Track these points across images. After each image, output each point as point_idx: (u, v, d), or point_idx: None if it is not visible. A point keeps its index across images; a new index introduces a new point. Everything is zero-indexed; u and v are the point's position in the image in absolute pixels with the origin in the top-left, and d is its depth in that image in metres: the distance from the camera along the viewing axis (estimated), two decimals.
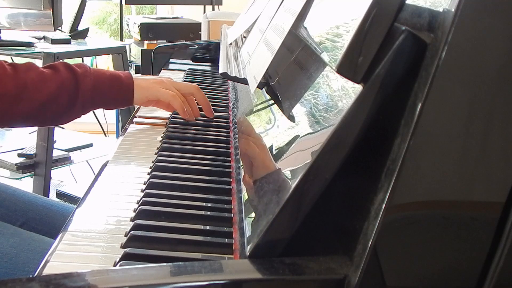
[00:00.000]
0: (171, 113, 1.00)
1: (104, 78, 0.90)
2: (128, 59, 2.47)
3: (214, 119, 0.97)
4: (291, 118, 0.59)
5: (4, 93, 0.82)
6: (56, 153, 2.08)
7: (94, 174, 0.75)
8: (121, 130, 1.00)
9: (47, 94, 0.85)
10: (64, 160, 2.16)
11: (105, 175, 0.74)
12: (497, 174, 0.41)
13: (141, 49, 2.53)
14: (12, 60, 2.31)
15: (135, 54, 2.69)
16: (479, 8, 0.39)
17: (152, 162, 0.77)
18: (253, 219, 0.53)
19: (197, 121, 0.95)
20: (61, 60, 1.96)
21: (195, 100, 0.97)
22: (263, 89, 0.78)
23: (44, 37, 2.15)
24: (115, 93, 0.91)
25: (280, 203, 0.45)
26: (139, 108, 1.08)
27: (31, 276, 0.41)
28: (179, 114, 0.98)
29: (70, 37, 2.20)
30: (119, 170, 0.77)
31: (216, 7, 2.74)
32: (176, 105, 0.93)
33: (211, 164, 0.76)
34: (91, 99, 0.89)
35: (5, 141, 2.19)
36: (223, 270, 0.44)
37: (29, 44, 2.01)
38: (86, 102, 0.89)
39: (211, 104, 0.99)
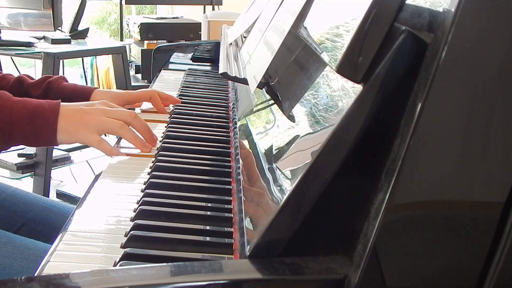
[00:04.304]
0: (171, 113, 1.00)
1: (23, 115, 0.79)
2: (128, 59, 2.48)
3: (214, 119, 0.97)
4: (291, 118, 0.59)
5: None
6: (56, 153, 2.09)
7: (94, 174, 0.75)
8: None
9: None
10: (64, 160, 2.17)
11: (105, 174, 0.74)
12: (497, 174, 0.41)
13: (141, 49, 2.53)
14: (12, 60, 2.31)
15: (135, 54, 2.69)
16: (479, 8, 0.39)
17: (152, 162, 0.77)
18: (253, 219, 0.53)
19: (197, 121, 0.95)
20: (61, 59, 1.96)
21: (136, 128, 0.85)
22: (263, 89, 0.78)
23: (44, 37, 2.15)
24: (34, 133, 0.79)
25: (280, 203, 0.45)
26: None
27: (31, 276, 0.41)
28: (179, 115, 0.98)
29: (70, 37, 2.20)
30: (119, 170, 0.77)
31: (216, 7, 2.74)
32: (111, 152, 0.81)
33: (211, 164, 0.76)
34: (7, 137, 0.79)
35: None
36: (223, 270, 0.44)
37: (29, 44, 2.01)
38: (3, 137, 0.79)
39: (211, 104, 0.99)
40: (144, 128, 0.85)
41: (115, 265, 0.50)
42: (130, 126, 0.84)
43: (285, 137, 0.57)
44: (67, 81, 1.05)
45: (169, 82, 1.35)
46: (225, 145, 0.84)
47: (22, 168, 1.98)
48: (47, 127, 0.79)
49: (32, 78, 1.05)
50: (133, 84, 2.39)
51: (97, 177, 0.73)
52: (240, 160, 0.70)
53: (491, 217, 0.42)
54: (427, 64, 0.40)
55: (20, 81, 1.02)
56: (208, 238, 0.56)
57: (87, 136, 0.81)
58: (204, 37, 2.33)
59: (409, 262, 0.43)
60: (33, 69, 3.50)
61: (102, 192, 0.68)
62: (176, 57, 1.52)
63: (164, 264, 0.44)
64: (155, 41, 2.54)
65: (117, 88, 2.34)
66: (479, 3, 0.39)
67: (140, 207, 0.61)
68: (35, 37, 2.12)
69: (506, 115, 0.41)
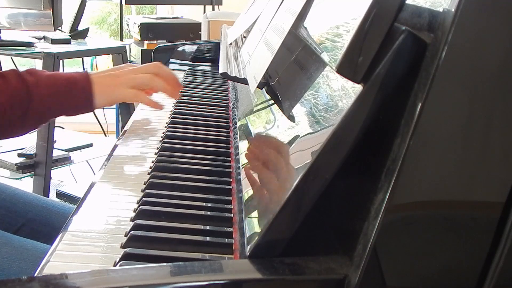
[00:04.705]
0: (171, 112, 1.00)
1: (59, 85, 0.84)
2: (128, 59, 2.47)
3: (214, 119, 0.97)
4: (291, 118, 0.59)
5: None
6: (56, 153, 2.08)
7: (94, 174, 0.75)
8: (121, 130, 1.00)
9: None
10: (64, 160, 2.16)
11: (106, 174, 0.74)
12: (497, 174, 0.41)
13: (141, 49, 2.53)
14: (12, 60, 2.31)
15: (135, 54, 2.69)
16: (479, 8, 0.39)
17: (152, 162, 0.77)
18: (253, 219, 0.53)
19: (197, 121, 0.95)
20: (61, 59, 1.96)
21: (163, 77, 0.93)
22: (263, 89, 0.78)
23: (44, 37, 2.15)
24: (72, 101, 0.85)
25: (280, 203, 0.45)
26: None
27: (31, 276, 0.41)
28: (179, 115, 0.98)
29: (70, 37, 2.20)
30: (120, 170, 0.77)
31: (216, 7, 2.74)
32: (144, 102, 0.92)
33: (211, 164, 0.76)
34: (47, 108, 0.83)
35: (5, 141, 2.19)
36: (223, 270, 0.44)
37: (29, 44, 2.01)
38: (42, 111, 0.83)
39: (211, 104, 0.99)
40: (170, 76, 0.94)
41: (115, 265, 0.50)
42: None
43: (285, 137, 0.57)
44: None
45: None
46: (225, 145, 0.84)
47: (22, 168, 1.98)
48: (84, 93, 0.84)
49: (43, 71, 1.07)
50: None
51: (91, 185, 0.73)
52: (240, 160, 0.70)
53: (491, 217, 0.42)
54: (427, 64, 0.40)
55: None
56: (208, 238, 0.56)
57: (122, 92, 0.88)
58: (204, 37, 2.33)
59: (409, 262, 0.43)
60: None
61: (102, 192, 0.68)
62: (176, 57, 1.52)
63: (164, 264, 0.44)
64: (155, 41, 2.54)
65: None
66: (479, 3, 0.39)
67: (140, 207, 0.61)
68: (35, 37, 2.12)
69: (506, 115, 0.41)
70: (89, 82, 0.85)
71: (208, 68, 1.53)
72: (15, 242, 0.85)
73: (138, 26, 2.52)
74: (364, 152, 0.45)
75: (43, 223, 0.97)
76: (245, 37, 1.11)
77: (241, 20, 1.25)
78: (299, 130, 0.54)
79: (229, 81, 1.23)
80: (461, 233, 0.42)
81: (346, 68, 0.44)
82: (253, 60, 0.82)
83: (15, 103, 0.81)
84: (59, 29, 2.17)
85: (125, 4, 2.87)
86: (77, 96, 0.85)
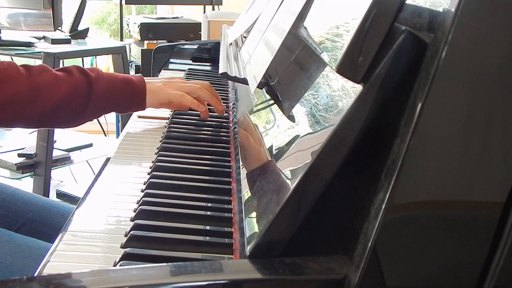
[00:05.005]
0: (171, 112, 1.00)
1: (117, 82, 0.90)
2: (128, 59, 2.47)
3: (214, 119, 0.97)
4: (291, 118, 0.59)
5: (18, 94, 0.82)
6: (56, 153, 2.08)
7: (94, 174, 0.75)
8: (121, 130, 1.00)
9: (60, 97, 0.85)
10: (64, 160, 2.16)
11: (106, 174, 0.74)
12: (497, 174, 0.41)
13: (141, 49, 2.53)
14: (12, 60, 2.31)
15: (135, 54, 2.69)
16: (479, 8, 0.39)
17: (152, 162, 0.77)
18: (253, 219, 0.53)
19: (197, 121, 0.95)
20: (61, 59, 1.96)
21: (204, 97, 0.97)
22: (263, 89, 0.78)
23: (44, 37, 2.15)
24: (127, 98, 0.91)
25: (280, 203, 0.45)
26: None
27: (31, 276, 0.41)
28: (179, 115, 0.98)
29: (70, 37, 2.20)
30: (120, 169, 0.77)
31: (216, 7, 2.74)
32: (188, 102, 0.94)
33: (211, 164, 0.76)
34: (103, 103, 0.89)
35: (5, 141, 2.19)
36: (223, 270, 0.44)
37: (29, 44, 2.01)
38: (99, 106, 0.89)
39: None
40: (216, 94, 0.99)
41: (115, 265, 0.50)
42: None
43: (285, 137, 0.57)
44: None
45: None
46: (225, 145, 0.84)
47: (22, 168, 1.98)
48: (139, 92, 0.92)
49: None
50: None
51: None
52: (240, 160, 0.70)
53: (491, 217, 0.42)
54: (427, 64, 0.40)
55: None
56: (208, 238, 0.56)
57: (169, 93, 0.94)
58: (204, 37, 2.33)
59: (409, 262, 0.43)
60: None
61: (102, 192, 0.68)
62: (176, 57, 1.52)
63: (164, 264, 0.44)
64: (155, 41, 2.54)
65: None
66: (479, 3, 0.39)
67: (140, 207, 0.61)
68: (35, 37, 2.12)
69: (506, 115, 0.40)
70: (143, 83, 0.93)
71: (208, 68, 1.53)
72: (17, 240, 0.86)
73: (138, 26, 2.52)
74: (364, 152, 0.45)
75: (43, 223, 0.97)
76: (245, 37, 1.11)
77: (241, 20, 1.25)
78: (299, 130, 0.54)
79: (229, 81, 1.23)
80: (461, 233, 0.42)
81: (346, 68, 0.44)
82: (253, 60, 0.82)
83: (77, 94, 0.86)
84: (59, 29, 2.17)
85: (125, 4, 2.87)
86: (132, 94, 0.92)
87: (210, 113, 0.98)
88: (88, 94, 0.87)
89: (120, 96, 0.91)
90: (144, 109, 0.96)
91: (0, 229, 0.88)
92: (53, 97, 0.84)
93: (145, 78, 0.95)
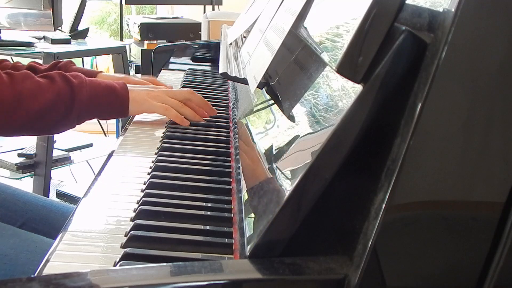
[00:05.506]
0: None
1: (99, 90, 0.90)
2: (128, 59, 2.47)
3: (214, 119, 0.97)
4: (291, 118, 0.59)
5: (1, 101, 0.82)
6: (56, 153, 2.08)
7: (94, 174, 0.75)
8: (121, 130, 1.00)
9: (43, 104, 0.85)
10: (64, 160, 2.16)
11: (106, 173, 0.74)
12: (497, 174, 0.41)
13: (141, 49, 2.53)
14: (12, 60, 2.31)
15: (135, 54, 2.69)
16: (479, 8, 0.39)
17: (152, 162, 0.77)
18: (253, 219, 0.53)
19: (197, 121, 0.95)
20: (61, 59, 1.96)
21: (195, 102, 0.97)
22: (263, 89, 0.78)
23: (44, 37, 2.15)
24: (110, 105, 0.91)
25: (280, 203, 0.45)
26: None
27: (31, 276, 0.41)
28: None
29: (70, 37, 2.20)
30: (121, 166, 0.77)
31: (216, 7, 2.74)
32: (172, 116, 0.94)
33: (211, 164, 0.76)
34: (86, 110, 0.89)
35: (5, 141, 2.19)
36: (223, 270, 0.44)
37: (29, 44, 2.01)
38: (82, 112, 0.89)
39: (211, 104, 0.99)
40: (202, 102, 0.97)
41: (115, 265, 0.50)
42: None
43: (285, 137, 0.57)
44: (75, 65, 1.15)
45: (169, 82, 1.35)
46: (225, 145, 0.84)
47: (22, 168, 1.98)
48: (121, 100, 0.91)
49: (41, 65, 1.10)
50: None
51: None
52: (240, 160, 0.70)
53: (491, 217, 0.42)
54: (427, 64, 0.40)
55: (33, 68, 1.05)
56: (208, 238, 0.56)
57: (153, 104, 0.93)
58: (204, 37, 2.33)
59: (409, 262, 0.43)
60: None
61: (102, 191, 0.68)
62: (176, 57, 1.52)
63: (164, 264, 0.44)
64: (155, 41, 2.54)
65: None
66: (479, 3, 0.39)
67: (140, 207, 0.61)
68: (35, 37, 2.12)
69: (506, 115, 0.41)
70: (126, 91, 0.92)
71: (208, 68, 1.53)
72: (22, 235, 0.86)
73: (138, 26, 2.52)
74: (364, 152, 0.45)
75: (42, 222, 0.97)
76: (245, 37, 1.11)
77: (241, 20, 1.25)
78: (299, 130, 0.54)
79: (229, 81, 1.23)
80: (461, 233, 0.42)
81: (346, 68, 0.44)
82: (253, 60, 0.82)
83: (60, 102, 0.86)
84: (59, 29, 2.17)
85: (125, 4, 2.87)
86: (114, 102, 0.91)
87: (209, 113, 0.98)
88: (71, 101, 0.87)
89: (102, 103, 0.90)
90: (127, 116, 0.96)
91: (5, 225, 0.88)
92: (36, 104, 0.84)
93: (128, 85, 0.94)
